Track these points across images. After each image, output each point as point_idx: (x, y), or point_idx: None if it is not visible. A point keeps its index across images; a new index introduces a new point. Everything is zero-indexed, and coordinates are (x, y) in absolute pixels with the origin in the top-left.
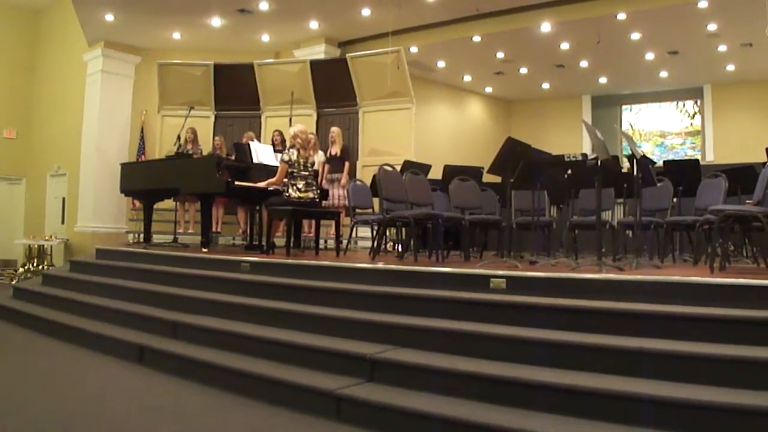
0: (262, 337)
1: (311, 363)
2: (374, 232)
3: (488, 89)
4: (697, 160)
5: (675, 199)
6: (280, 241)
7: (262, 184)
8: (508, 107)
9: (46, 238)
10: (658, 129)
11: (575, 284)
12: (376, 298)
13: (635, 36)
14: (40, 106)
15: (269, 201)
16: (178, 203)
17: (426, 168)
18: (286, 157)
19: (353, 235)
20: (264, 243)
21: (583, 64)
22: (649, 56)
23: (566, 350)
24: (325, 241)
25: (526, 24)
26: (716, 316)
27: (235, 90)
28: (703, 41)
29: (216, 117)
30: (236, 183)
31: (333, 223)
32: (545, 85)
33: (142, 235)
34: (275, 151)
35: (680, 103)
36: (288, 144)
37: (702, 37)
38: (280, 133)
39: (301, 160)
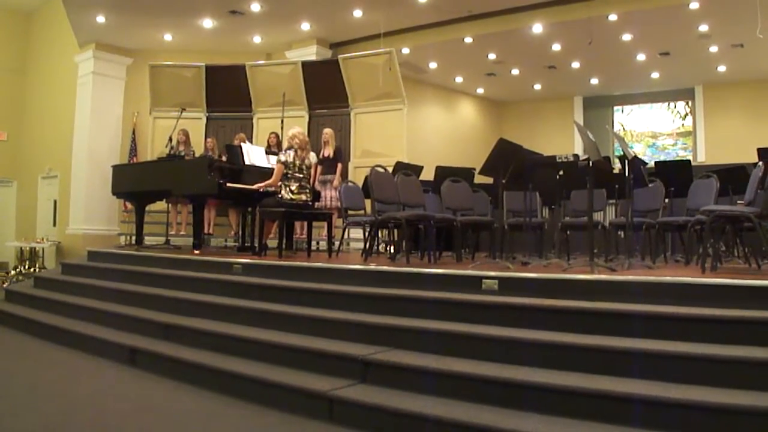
0: (254, 339)
1: (303, 364)
2: (366, 234)
3: (480, 90)
4: (689, 161)
5: (666, 200)
6: (272, 242)
7: (256, 186)
8: (500, 108)
9: (38, 240)
10: (649, 130)
11: (567, 285)
12: (368, 299)
13: (627, 37)
14: (32, 108)
15: (262, 203)
16: (170, 205)
17: (418, 169)
18: (282, 158)
19: (345, 236)
20: (256, 244)
21: (575, 65)
22: (641, 57)
23: (558, 351)
24: (317, 243)
25: (517, 25)
26: (708, 317)
27: (227, 91)
28: (694, 42)
29: (207, 119)
30: (228, 184)
31: (325, 224)
32: (537, 86)
33: (134, 237)
34: (270, 153)
35: (672, 104)
36: (285, 145)
37: (693, 38)
38: (276, 135)
39: (297, 162)
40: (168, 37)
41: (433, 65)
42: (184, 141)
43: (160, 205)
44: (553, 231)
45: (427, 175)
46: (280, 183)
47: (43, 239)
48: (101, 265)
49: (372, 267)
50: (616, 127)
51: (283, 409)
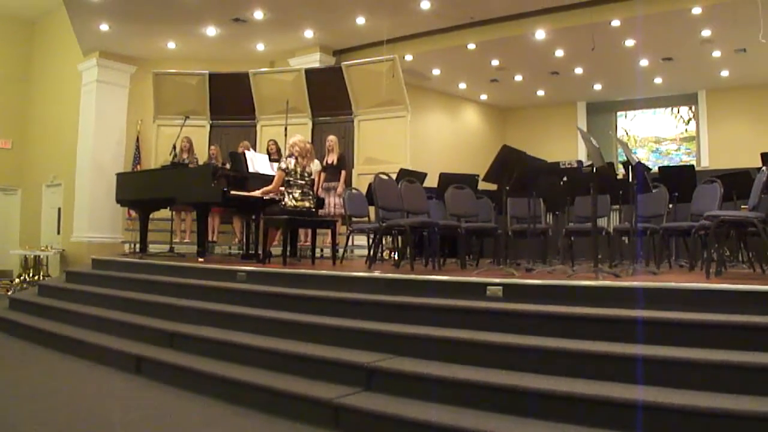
0: (259, 347)
1: (309, 372)
2: (370, 241)
3: (483, 97)
4: (692, 166)
5: (670, 205)
6: (276, 250)
7: (257, 193)
8: (503, 114)
9: (42, 248)
10: (653, 135)
11: (571, 291)
12: (372, 306)
13: (629, 42)
14: (36, 117)
15: (265, 210)
16: (174, 213)
17: (421, 176)
18: (283, 165)
19: (349, 243)
20: (260, 252)
21: (578, 70)
22: (644, 63)
23: (563, 357)
24: (321, 250)
25: (520, 31)
26: (712, 322)
27: (231, 99)
28: (697, 47)
29: (211, 126)
30: (232, 192)
31: (329, 231)
32: (540, 92)
33: (138, 245)
34: (271, 160)
35: (675, 109)
36: (286, 153)
37: (696, 43)
38: (275, 143)
39: (298, 169)
40: (171, 45)
41: (436, 72)
42: (188, 149)
43: (164, 212)
44: (557, 237)
45: (431, 181)
46: (283, 190)
47: (47, 247)
48: (105, 273)
49: (376, 274)
50: (620, 133)
51: (289, 417)
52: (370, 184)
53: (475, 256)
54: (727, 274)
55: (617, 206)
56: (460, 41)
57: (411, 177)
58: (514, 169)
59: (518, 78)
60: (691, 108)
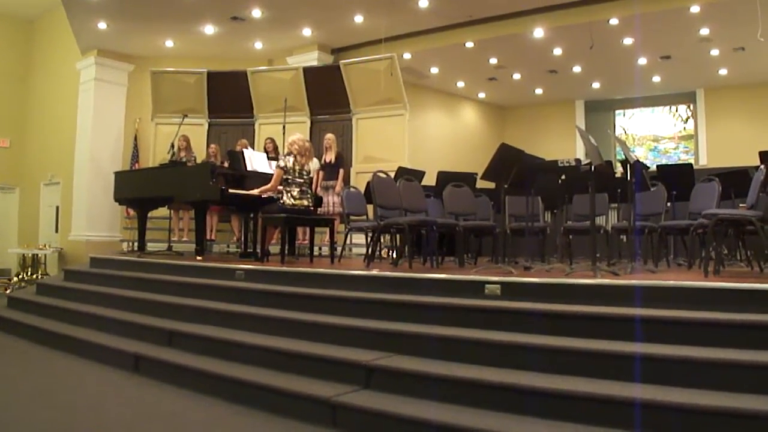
0: (257, 345)
1: (307, 370)
2: (368, 239)
3: (481, 95)
4: (691, 164)
5: (669, 204)
6: (274, 248)
7: (255, 191)
8: (502, 113)
9: (40, 247)
10: (651, 133)
11: (570, 290)
12: (371, 305)
13: (628, 41)
14: (34, 115)
15: (264, 208)
16: (172, 211)
17: (420, 174)
18: (282, 163)
19: (348, 242)
20: (258, 251)
21: (576, 69)
22: (642, 61)
23: (561, 356)
24: (320, 249)
25: (519, 30)
26: (711, 320)
27: (229, 97)
28: (695, 46)
29: (209, 125)
30: (230, 190)
31: (327, 230)
32: (538, 91)
33: (136, 244)
34: (267, 158)
35: (673, 108)
36: (285, 151)
37: (694, 42)
38: (272, 141)
39: (297, 167)
40: (170, 43)
41: (434, 70)
42: (185, 147)
43: (162, 211)
44: (556, 235)
45: (429, 180)
46: (281, 189)
47: (45, 246)
48: (104, 272)
49: (374, 272)
50: (618, 131)
51: (287, 415)
52: (368, 183)
53: (473, 255)
54: (725, 272)
55: (615, 204)
56: (458, 39)
57: (409, 175)
58: (512, 167)
59: (516, 76)
60: (689, 106)
